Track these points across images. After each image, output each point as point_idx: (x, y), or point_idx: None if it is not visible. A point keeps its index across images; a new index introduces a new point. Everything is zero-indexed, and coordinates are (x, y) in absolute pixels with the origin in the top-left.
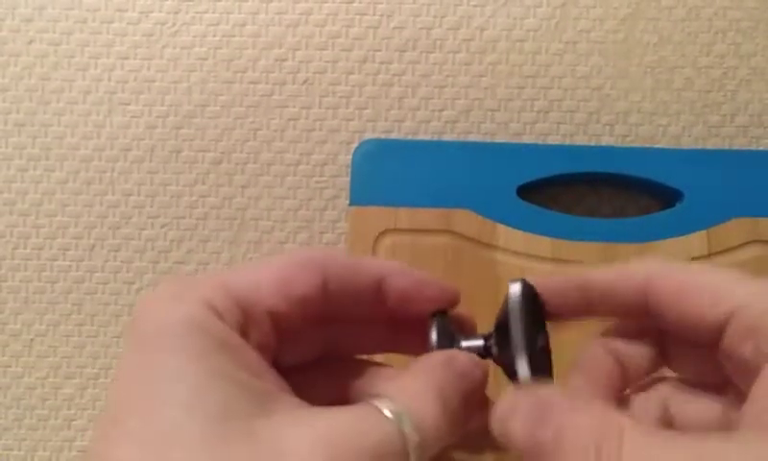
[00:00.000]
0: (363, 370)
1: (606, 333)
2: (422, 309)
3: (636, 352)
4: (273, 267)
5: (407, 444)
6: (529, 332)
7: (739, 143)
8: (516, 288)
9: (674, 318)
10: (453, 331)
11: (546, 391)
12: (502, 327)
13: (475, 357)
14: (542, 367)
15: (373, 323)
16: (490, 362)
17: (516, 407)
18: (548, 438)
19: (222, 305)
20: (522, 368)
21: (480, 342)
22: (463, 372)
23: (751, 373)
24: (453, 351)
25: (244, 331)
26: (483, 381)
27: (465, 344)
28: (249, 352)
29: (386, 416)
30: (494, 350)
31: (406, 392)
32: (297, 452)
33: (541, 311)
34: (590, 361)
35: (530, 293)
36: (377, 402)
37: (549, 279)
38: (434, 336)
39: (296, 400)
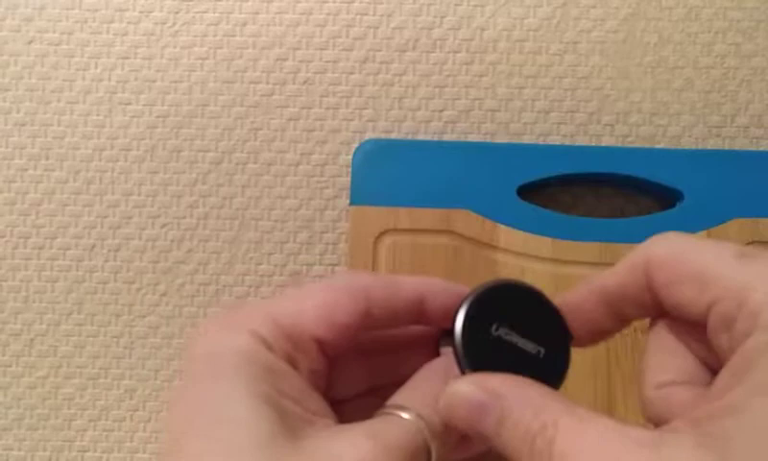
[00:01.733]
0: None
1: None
2: None
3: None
4: (316, 296)
5: (428, 443)
6: (474, 331)
7: (739, 144)
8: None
9: (673, 308)
10: None
11: (490, 378)
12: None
13: None
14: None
15: (415, 347)
16: None
17: (461, 392)
18: (490, 426)
19: (270, 336)
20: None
21: None
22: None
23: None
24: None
25: (293, 360)
26: None
27: None
28: (294, 380)
29: (406, 419)
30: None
31: (411, 399)
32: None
33: (544, 319)
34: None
35: (508, 296)
36: (394, 411)
37: (569, 297)
38: (440, 342)
39: (332, 422)
